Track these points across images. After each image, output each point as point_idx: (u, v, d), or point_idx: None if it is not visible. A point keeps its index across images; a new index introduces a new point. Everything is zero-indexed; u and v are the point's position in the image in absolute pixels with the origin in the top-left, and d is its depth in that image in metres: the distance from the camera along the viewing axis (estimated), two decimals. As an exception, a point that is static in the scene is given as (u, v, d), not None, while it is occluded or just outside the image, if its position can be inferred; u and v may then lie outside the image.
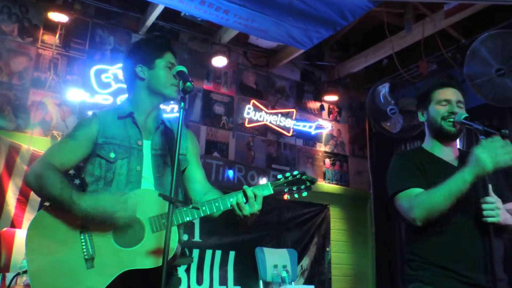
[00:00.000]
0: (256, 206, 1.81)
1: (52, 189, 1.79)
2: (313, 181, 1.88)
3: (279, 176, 1.89)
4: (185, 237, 2.06)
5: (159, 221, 1.80)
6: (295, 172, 1.89)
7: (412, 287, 1.96)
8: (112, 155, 1.92)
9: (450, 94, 2.09)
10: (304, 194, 1.88)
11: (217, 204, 1.84)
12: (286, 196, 1.87)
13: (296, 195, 1.88)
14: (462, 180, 1.82)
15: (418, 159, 2.09)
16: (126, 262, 1.75)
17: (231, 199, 1.83)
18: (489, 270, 1.83)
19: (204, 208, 1.83)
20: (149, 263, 1.74)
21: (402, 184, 2.01)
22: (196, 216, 1.83)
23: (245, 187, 1.84)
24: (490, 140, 1.80)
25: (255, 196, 1.81)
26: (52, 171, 1.83)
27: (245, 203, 1.82)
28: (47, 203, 1.88)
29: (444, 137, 2.08)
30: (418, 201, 1.88)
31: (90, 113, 2.16)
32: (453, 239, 1.92)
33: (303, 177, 1.89)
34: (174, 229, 1.79)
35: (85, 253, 1.77)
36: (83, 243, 1.78)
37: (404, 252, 2.11)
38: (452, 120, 2.02)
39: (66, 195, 1.77)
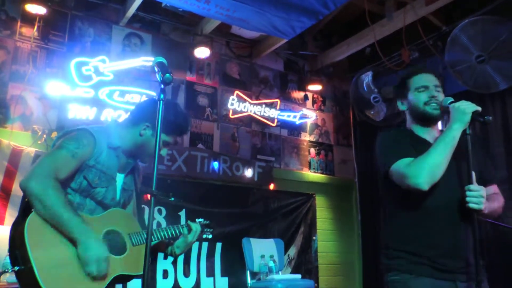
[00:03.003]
0: (195, 238, 2.34)
1: (55, 205, 1.83)
2: (213, 229, 2.53)
3: (200, 220, 2.46)
4: None
5: (136, 236, 2.12)
6: (203, 220, 2.48)
7: (389, 276, 1.98)
8: (97, 181, 2.05)
9: (427, 79, 2.12)
10: (210, 236, 2.51)
11: (176, 231, 2.31)
12: (202, 235, 2.46)
13: (205, 236, 2.48)
14: (451, 132, 1.90)
15: (405, 134, 2.13)
16: (118, 268, 1.98)
17: (182, 229, 2.32)
18: (465, 256, 1.88)
19: (170, 231, 2.29)
20: (135, 269, 2.04)
21: (394, 156, 1.99)
22: (157, 240, 2.24)
23: (189, 222, 2.37)
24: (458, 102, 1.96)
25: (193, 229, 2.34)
26: (58, 188, 1.88)
27: (188, 234, 2.32)
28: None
29: (428, 121, 2.11)
30: (418, 166, 1.88)
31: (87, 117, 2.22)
32: (432, 225, 1.94)
33: (210, 223, 2.51)
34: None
35: None
36: None
37: (383, 238, 2.11)
38: (436, 103, 2.05)
39: (68, 217, 1.85)
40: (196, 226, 2.35)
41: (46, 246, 1.81)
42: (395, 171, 1.96)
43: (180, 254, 2.38)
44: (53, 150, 2.00)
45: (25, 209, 1.92)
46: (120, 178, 2.20)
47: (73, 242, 1.86)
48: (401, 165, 1.93)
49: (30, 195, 1.84)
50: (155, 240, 2.24)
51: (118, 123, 2.28)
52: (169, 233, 2.29)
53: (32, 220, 1.82)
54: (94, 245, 1.86)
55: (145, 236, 2.12)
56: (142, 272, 1.97)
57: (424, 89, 2.09)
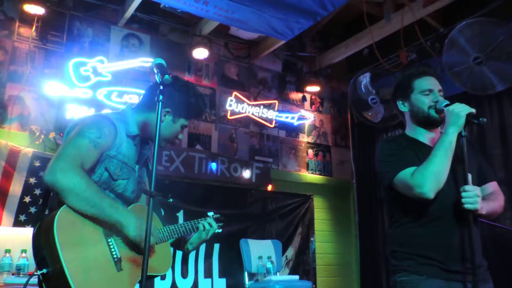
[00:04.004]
0: (208, 236, 2.32)
1: (91, 194, 1.77)
2: (223, 223, 2.46)
3: (211, 213, 2.42)
4: None
5: (158, 235, 2.05)
6: (216, 214, 2.44)
7: (398, 277, 1.99)
8: (118, 172, 1.96)
9: (432, 83, 2.11)
10: (221, 230, 2.42)
11: (194, 226, 2.30)
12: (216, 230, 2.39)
13: (218, 230, 2.39)
14: (447, 137, 1.92)
15: (405, 143, 2.12)
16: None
17: (199, 224, 2.30)
18: (468, 257, 1.88)
19: (188, 227, 2.27)
20: (162, 269, 2.04)
21: (396, 167, 1.99)
22: (178, 236, 2.21)
23: (207, 220, 2.34)
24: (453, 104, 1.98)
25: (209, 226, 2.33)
26: (87, 176, 1.81)
27: (203, 230, 2.31)
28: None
29: (430, 124, 2.11)
30: (421, 175, 1.88)
31: (105, 111, 2.18)
32: (434, 228, 1.95)
33: (221, 217, 2.45)
34: (168, 245, 2.19)
35: (114, 255, 1.84)
36: (111, 245, 1.85)
37: (389, 243, 2.12)
38: (436, 108, 2.05)
39: (106, 201, 1.80)
40: (214, 224, 2.33)
41: (77, 246, 1.73)
42: (399, 182, 1.98)
43: (192, 250, 2.38)
44: (73, 138, 1.86)
45: (47, 206, 1.89)
46: (135, 174, 2.13)
47: (115, 227, 1.82)
48: (405, 176, 1.94)
49: (62, 189, 1.72)
50: (176, 236, 2.20)
51: (134, 109, 2.16)
52: (188, 229, 2.27)
53: (62, 217, 1.71)
54: (139, 224, 1.84)
55: (167, 233, 2.14)
56: (165, 272, 2.00)
57: (429, 93, 2.09)
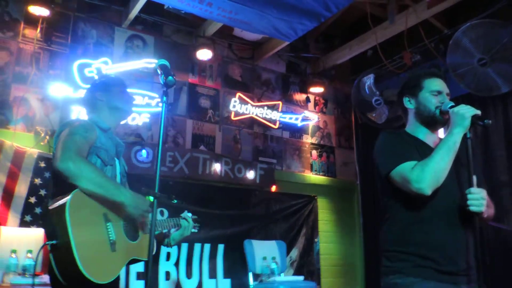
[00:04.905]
0: (189, 232, 2.59)
1: (99, 176, 2.03)
2: (199, 224, 2.70)
3: (189, 214, 2.63)
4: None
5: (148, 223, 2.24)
6: (192, 215, 2.66)
7: (391, 279, 1.96)
8: (107, 159, 2.23)
9: (441, 85, 2.12)
10: (197, 230, 2.69)
11: (177, 223, 2.56)
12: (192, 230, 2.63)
13: (194, 230, 2.64)
14: (452, 137, 1.91)
15: (407, 138, 2.12)
16: (132, 252, 2.19)
17: (181, 222, 2.57)
18: (467, 259, 1.88)
19: (171, 222, 2.53)
20: (146, 256, 2.20)
21: (397, 159, 1.98)
22: (162, 229, 2.50)
23: (182, 215, 2.60)
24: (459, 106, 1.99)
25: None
26: (91, 163, 2.10)
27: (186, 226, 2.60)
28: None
29: (434, 125, 2.11)
30: (421, 171, 1.87)
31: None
32: (433, 228, 1.93)
33: (198, 218, 2.70)
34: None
35: (110, 237, 2.07)
36: (109, 229, 2.08)
37: (382, 241, 2.08)
38: (440, 108, 2.05)
39: (111, 183, 2.08)
40: (190, 220, 2.60)
41: (83, 225, 1.95)
42: (397, 175, 1.96)
43: (174, 245, 2.64)
44: (68, 136, 2.11)
45: (56, 192, 2.09)
46: (117, 163, 2.35)
47: (119, 206, 2.07)
48: (404, 169, 1.93)
49: (72, 174, 1.96)
50: (160, 230, 2.46)
51: (91, 113, 2.43)
52: (170, 225, 2.52)
53: (74, 198, 1.95)
54: (141, 203, 2.12)
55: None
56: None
57: (438, 94, 2.09)
